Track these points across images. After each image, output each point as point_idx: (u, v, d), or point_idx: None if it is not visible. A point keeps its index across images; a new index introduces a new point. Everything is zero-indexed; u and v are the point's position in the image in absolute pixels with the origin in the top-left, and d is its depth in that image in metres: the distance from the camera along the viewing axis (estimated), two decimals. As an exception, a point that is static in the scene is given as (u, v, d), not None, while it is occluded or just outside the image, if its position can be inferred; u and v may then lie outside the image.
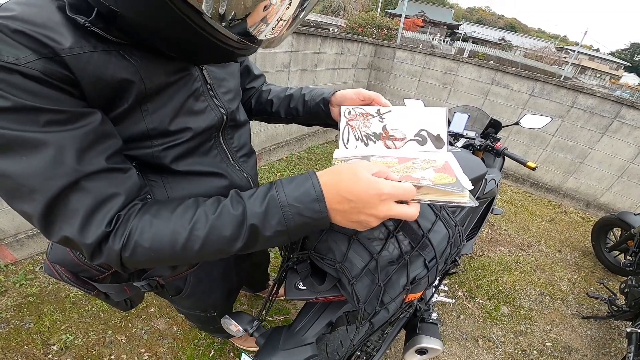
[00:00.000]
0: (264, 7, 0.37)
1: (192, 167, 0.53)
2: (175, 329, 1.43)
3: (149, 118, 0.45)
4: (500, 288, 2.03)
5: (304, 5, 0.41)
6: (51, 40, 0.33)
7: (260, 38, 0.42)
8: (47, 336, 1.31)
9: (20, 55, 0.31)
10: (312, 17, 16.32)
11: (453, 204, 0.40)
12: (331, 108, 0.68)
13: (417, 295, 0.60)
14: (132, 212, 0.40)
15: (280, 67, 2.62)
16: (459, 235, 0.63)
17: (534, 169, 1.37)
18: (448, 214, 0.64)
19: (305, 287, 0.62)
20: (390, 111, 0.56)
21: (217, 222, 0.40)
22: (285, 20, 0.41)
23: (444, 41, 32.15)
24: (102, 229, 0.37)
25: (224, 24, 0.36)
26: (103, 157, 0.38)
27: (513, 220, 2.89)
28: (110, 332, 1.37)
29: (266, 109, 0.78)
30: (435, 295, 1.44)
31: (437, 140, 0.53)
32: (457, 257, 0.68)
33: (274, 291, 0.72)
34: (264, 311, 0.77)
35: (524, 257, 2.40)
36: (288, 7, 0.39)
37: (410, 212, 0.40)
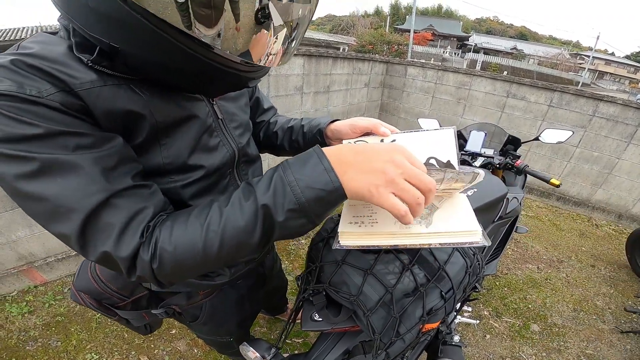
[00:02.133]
0: (262, 25, 0.36)
1: None
2: (195, 351, 1.45)
3: (166, 152, 0.46)
4: (530, 306, 1.92)
5: (303, 17, 0.41)
6: (65, 75, 0.35)
7: (263, 58, 0.40)
8: (74, 355, 1.36)
9: (42, 88, 0.33)
10: (323, 36, 16.80)
11: (465, 244, 0.39)
12: (328, 140, 0.66)
13: (434, 325, 0.58)
14: (157, 223, 0.40)
15: (293, 90, 2.69)
16: (478, 264, 0.62)
17: (558, 186, 1.27)
18: None
19: (321, 319, 0.61)
20: (394, 140, 0.52)
21: (231, 213, 0.39)
22: (286, 36, 0.40)
23: (455, 53, 32.15)
24: (137, 240, 0.38)
25: (224, 49, 0.36)
26: (129, 176, 0.40)
27: (540, 236, 2.76)
28: (133, 352, 1.41)
29: (272, 141, 0.79)
30: (458, 317, 1.38)
31: (447, 168, 0.51)
32: (477, 284, 0.66)
33: (290, 319, 0.72)
34: (281, 338, 0.78)
35: (554, 273, 2.27)
36: (286, 23, 0.38)
37: (428, 178, 0.36)
